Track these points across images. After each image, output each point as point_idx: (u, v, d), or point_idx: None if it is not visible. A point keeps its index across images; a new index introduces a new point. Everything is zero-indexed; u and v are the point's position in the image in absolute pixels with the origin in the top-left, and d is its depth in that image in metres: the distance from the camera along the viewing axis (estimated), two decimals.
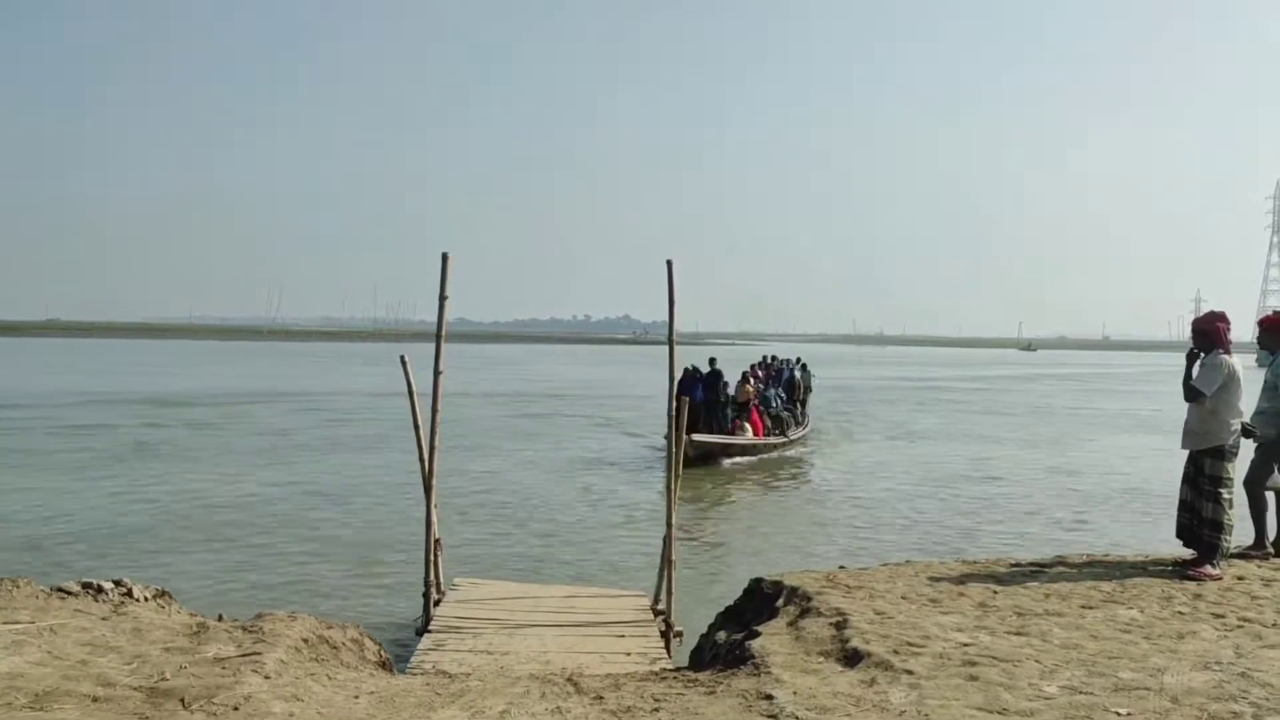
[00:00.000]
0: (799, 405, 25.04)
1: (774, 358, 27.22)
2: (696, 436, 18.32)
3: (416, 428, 7.74)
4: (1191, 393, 6.59)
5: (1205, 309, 7.44)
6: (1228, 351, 6.67)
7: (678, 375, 7.92)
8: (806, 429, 24.93)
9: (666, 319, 7.63)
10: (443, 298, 7.56)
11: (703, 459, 19.04)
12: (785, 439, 22.65)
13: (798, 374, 26.18)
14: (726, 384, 21.47)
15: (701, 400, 20.08)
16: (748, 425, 21.09)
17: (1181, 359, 6.99)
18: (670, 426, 7.70)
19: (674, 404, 7.59)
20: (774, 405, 22.36)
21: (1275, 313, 7.21)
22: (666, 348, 7.54)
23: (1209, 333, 6.73)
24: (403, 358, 7.77)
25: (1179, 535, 6.88)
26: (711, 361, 21.07)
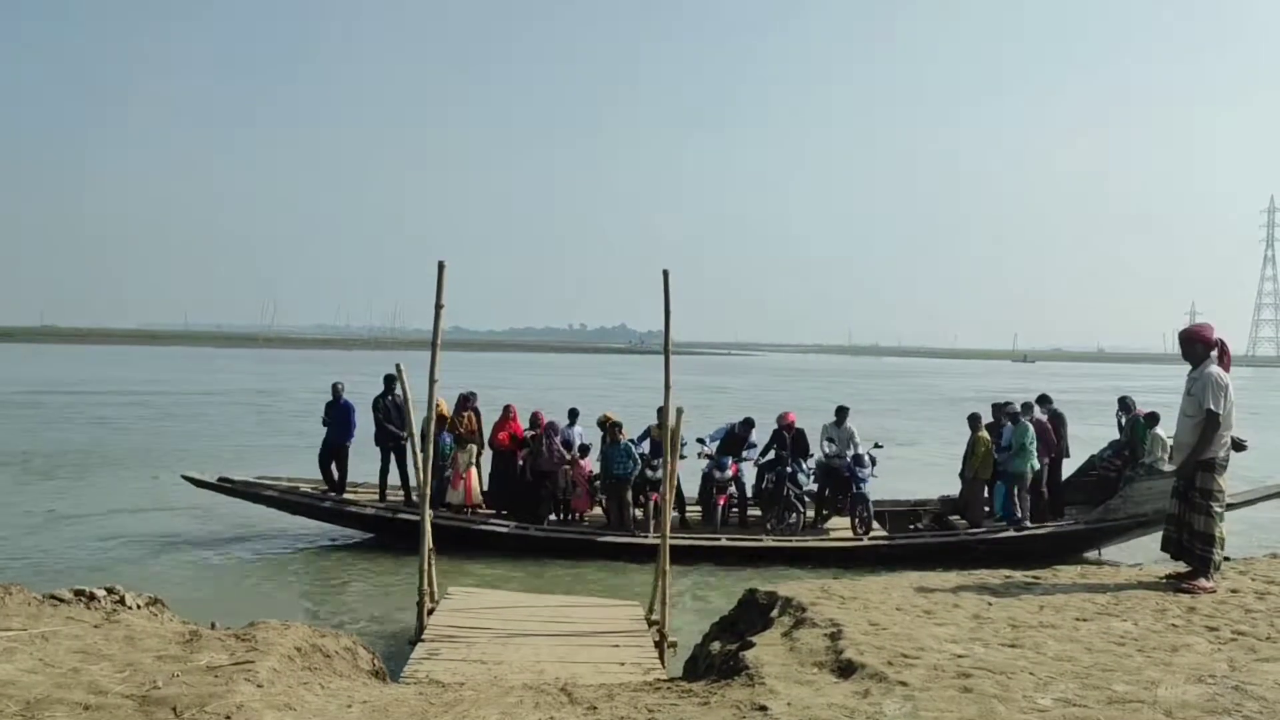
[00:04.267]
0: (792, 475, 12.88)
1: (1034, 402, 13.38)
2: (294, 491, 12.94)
3: (411, 436, 7.75)
4: (1210, 418, 6.50)
5: (1200, 320, 7.36)
6: (1200, 362, 6.66)
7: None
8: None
9: (662, 328, 7.66)
10: (439, 306, 7.58)
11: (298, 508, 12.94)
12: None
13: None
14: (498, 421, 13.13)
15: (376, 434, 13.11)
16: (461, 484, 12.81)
17: (1177, 372, 6.98)
18: (665, 445, 7.70)
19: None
20: (623, 466, 12.42)
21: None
22: (662, 357, 7.57)
23: (1195, 343, 6.74)
24: (398, 366, 7.79)
25: (1164, 548, 6.89)
26: (389, 380, 12.84)
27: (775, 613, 6.01)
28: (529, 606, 8.10)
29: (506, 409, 13.33)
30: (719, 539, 12.16)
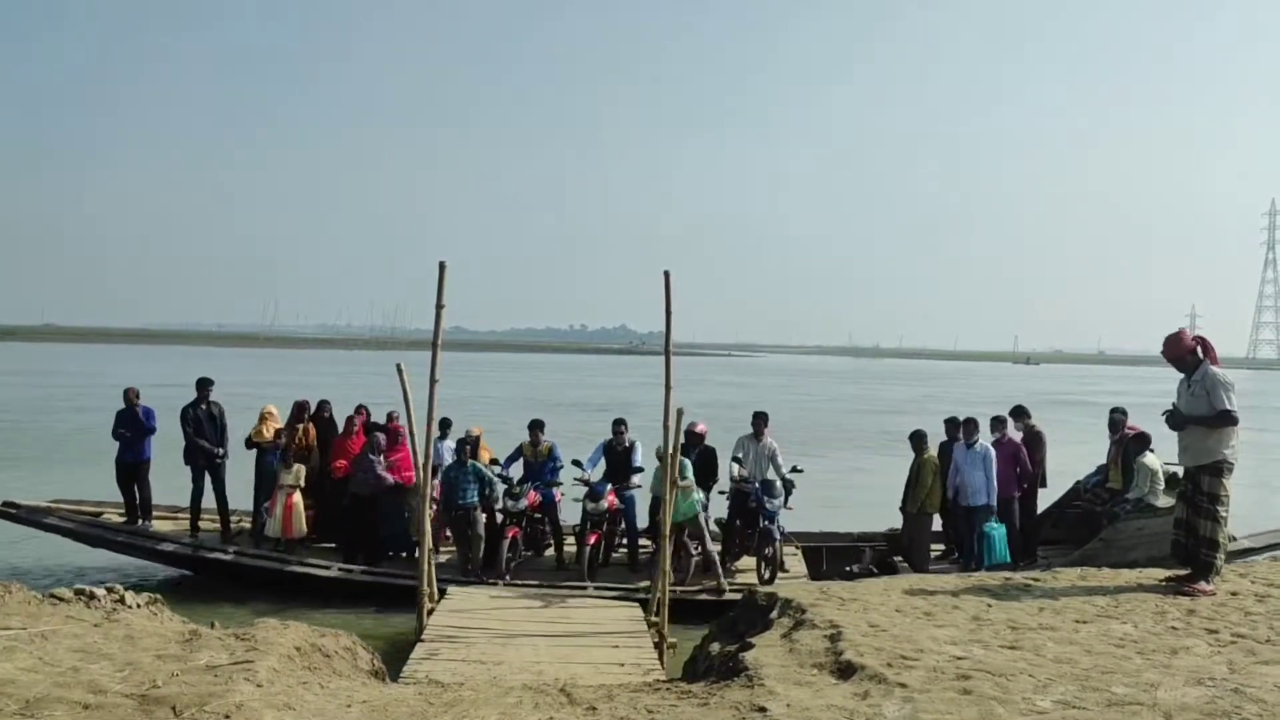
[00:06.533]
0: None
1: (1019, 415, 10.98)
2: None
3: (412, 435, 7.77)
4: (1226, 418, 6.47)
5: (1201, 324, 7.33)
6: (1193, 368, 6.65)
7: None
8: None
9: (663, 329, 7.67)
10: (439, 306, 7.59)
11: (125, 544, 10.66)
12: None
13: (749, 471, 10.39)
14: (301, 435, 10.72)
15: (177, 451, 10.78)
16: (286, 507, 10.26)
17: (1177, 375, 6.95)
18: (673, 443, 7.70)
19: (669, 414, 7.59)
20: (465, 493, 9.72)
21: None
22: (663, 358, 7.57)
23: (1178, 353, 6.73)
24: (399, 366, 7.81)
25: (1173, 553, 6.88)
26: (201, 385, 10.87)
27: (775, 614, 6.01)
28: (529, 607, 8.10)
29: (350, 420, 10.63)
30: (584, 586, 9.24)
